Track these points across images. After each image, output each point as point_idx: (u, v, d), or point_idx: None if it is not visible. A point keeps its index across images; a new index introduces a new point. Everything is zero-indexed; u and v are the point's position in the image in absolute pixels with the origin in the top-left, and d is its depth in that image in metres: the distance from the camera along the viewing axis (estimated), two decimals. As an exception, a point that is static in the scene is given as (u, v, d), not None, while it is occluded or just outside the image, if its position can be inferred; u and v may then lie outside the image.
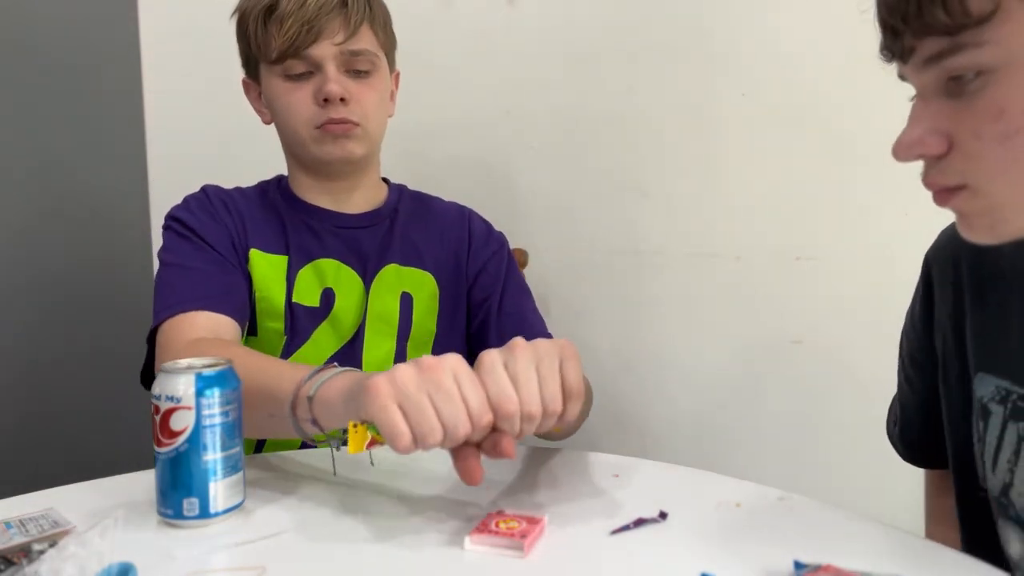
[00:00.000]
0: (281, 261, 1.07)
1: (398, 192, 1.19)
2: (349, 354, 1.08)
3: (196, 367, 0.69)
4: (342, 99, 1.03)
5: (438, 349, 1.11)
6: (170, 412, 0.68)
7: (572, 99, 1.51)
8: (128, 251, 1.38)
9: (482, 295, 1.15)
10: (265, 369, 0.80)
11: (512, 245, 1.40)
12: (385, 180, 1.20)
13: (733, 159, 1.48)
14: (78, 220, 1.50)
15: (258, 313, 1.06)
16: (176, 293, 0.97)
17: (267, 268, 1.06)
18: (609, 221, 1.53)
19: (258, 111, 1.13)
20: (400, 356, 1.10)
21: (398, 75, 1.16)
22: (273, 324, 1.06)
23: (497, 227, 1.23)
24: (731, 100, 1.47)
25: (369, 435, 0.67)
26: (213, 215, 1.07)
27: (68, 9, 1.48)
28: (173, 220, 1.06)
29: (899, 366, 0.91)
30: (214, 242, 1.03)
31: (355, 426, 0.66)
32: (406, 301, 1.11)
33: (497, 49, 1.52)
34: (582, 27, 1.50)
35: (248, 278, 1.05)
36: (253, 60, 1.08)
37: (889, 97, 1.43)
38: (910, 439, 0.93)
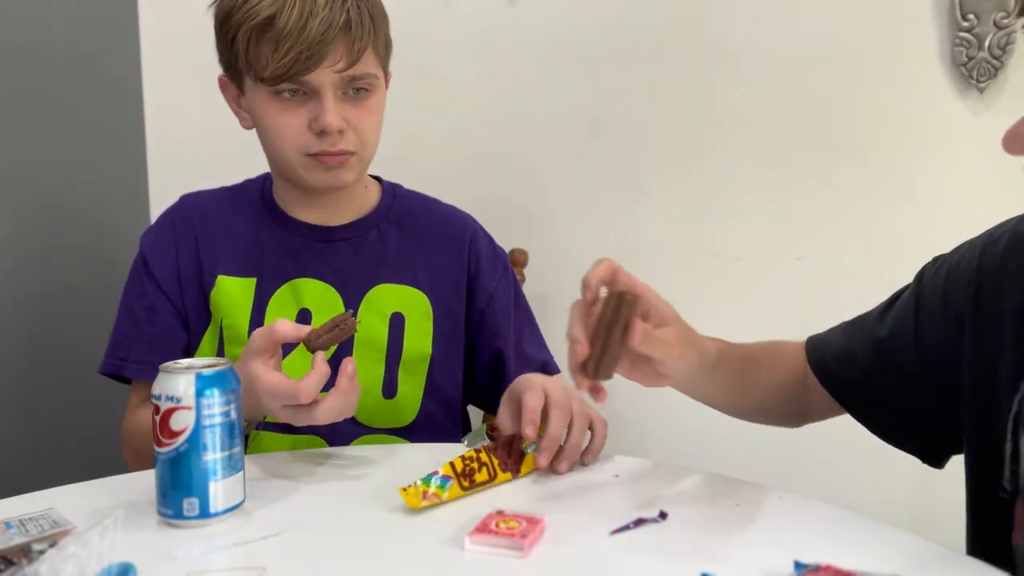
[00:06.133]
0: (250, 284, 1.03)
1: (391, 194, 1.11)
2: (333, 380, 1.04)
3: (196, 367, 0.69)
4: (340, 130, 0.96)
5: (433, 374, 1.05)
6: (170, 412, 0.68)
7: (572, 99, 1.51)
8: (128, 252, 1.38)
9: (494, 323, 1.10)
10: None
11: (512, 245, 1.39)
12: (378, 179, 1.13)
13: (733, 159, 1.48)
14: (79, 221, 1.50)
15: (224, 341, 1.02)
16: (124, 348, 1.04)
17: (235, 294, 1.02)
18: (609, 221, 1.53)
19: (237, 114, 1.04)
20: (390, 381, 1.03)
21: (389, 76, 1.08)
22: (237, 351, 0.96)
23: (497, 227, 1.20)
24: (731, 100, 1.47)
25: (422, 489, 0.73)
26: (168, 252, 1.04)
27: (68, 10, 1.48)
28: (140, 246, 1.07)
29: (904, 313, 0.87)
30: (162, 280, 1.04)
31: (404, 489, 0.73)
32: (396, 322, 1.04)
33: (497, 49, 1.52)
34: (582, 27, 1.50)
35: (204, 307, 1.03)
36: (236, 68, 0.99)
37: (889, 98, 1.43)
38: (851, 379, 0.88)
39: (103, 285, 1.36)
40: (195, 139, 1.56)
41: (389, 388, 1.03)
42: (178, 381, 0.68)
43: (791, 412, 0.96)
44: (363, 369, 1.00)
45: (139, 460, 1.01)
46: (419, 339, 1.05)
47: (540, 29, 1.50)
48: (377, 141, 1.03)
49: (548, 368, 1.11)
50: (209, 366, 0.70)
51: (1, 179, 1.37)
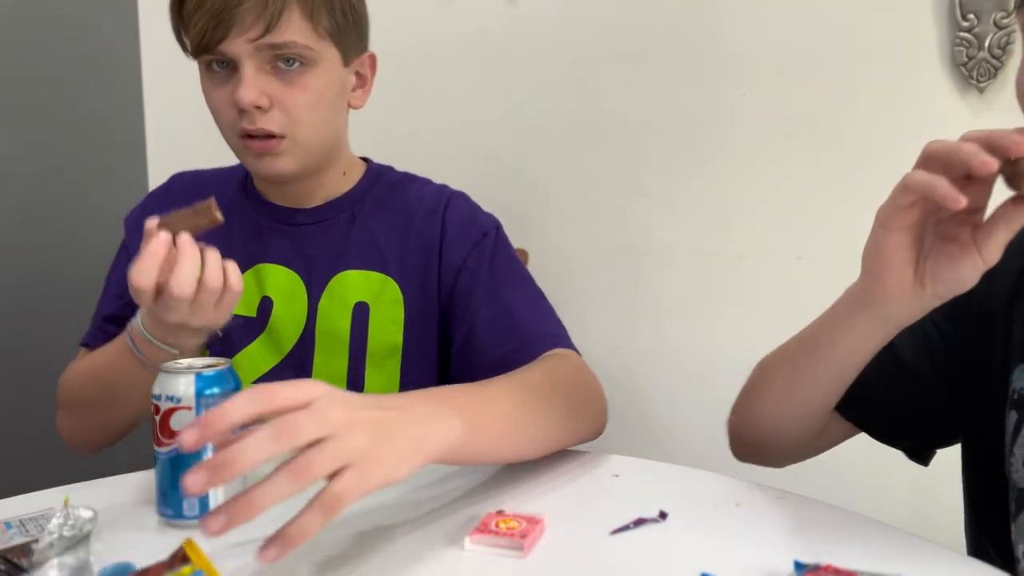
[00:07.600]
0: None
1: (375, 176, 1.04)
2: (296, 371, 0.97)
3: (196, 367, 0.69)
4: (258, 107, 0.88)
5: (408, 367, 0.98)
6: (170, 412, 0.68)
7: (572, 99, 1.51)
8: (128, 251, 1.39)
9: (465, 302, 0.97)
10: (96, 359, 0.96)
11: (512, 245, 1.39)
12: (367, 160, 1.07)
13: (733, 159, 1.48)
14: (79, 217, 1.50)
15: None
16: (95, 319, 1.06)
17: None
18: (609, 221, 1.53)
19: None
20: (356, 375, 0.98)
21: (373, 58, 1.00)
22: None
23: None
24: (731, 100, 1.47)
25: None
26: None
27: (68, 8, 1.48)
28: (124, 227, 1.06)
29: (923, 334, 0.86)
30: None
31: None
32: (360, 312, 0.98)
33: (497, 49, 1.52)
34: (582, 27, 1.50)
35: None
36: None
37: (889, 98, 1.43)
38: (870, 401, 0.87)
39: (103, 282, 1.37)
40: (195, 125, 1.56)
41: (354, 383, 0.98)
42: (178, 381, 0.68)
43: (815, 436, 0.93)
44: (326, 363, 0.98)
45: (73, 416, 1.01)
46: (387, 329, 0.98)
47: (540, 29, 1.50)
48: (318, 123, 0.94)
49: (554, 341, 0.94)
50: (209, 366, 0.70)
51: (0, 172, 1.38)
